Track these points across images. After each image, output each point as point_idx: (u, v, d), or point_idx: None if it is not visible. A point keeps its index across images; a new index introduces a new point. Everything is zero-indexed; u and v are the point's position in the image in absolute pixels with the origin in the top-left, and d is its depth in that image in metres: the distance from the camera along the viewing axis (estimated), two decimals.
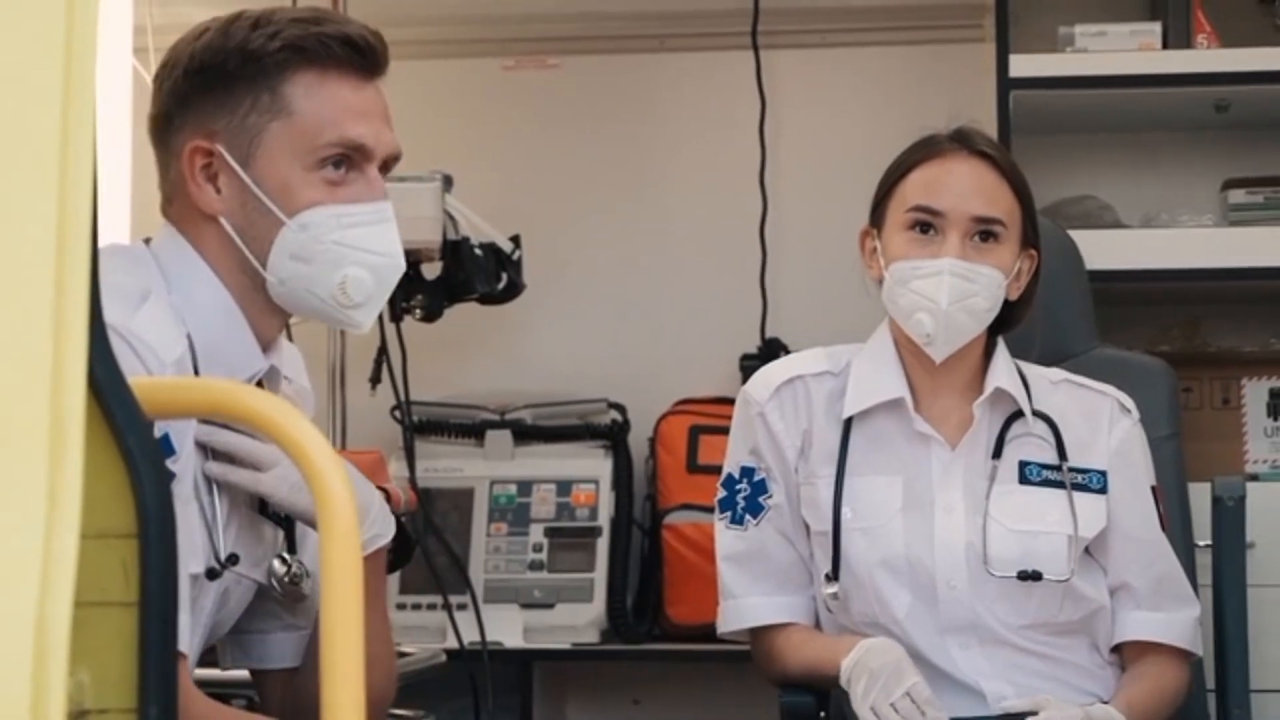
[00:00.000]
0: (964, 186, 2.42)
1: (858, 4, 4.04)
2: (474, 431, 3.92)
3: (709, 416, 3.83)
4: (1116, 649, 2.50)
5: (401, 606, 3.67)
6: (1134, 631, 2.49)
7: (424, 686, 3.09)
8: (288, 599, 2.01)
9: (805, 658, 2.47)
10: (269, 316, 1.96)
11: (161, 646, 1.15)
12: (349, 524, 1.28)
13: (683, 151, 4.09)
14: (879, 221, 2.48)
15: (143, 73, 3.39)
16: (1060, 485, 2.47)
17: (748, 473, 2.52)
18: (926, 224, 2.42)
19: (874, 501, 2.45)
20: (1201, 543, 2.82)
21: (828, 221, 3.72)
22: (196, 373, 1.86)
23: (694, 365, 4.00)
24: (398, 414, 3.74)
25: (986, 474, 2.46)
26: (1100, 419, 2.52)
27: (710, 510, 2.63)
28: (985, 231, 2.42)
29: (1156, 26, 3.59)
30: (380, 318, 3.03)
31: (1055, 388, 2.54)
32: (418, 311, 3.69)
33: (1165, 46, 3.57)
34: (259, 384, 1.94)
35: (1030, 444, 2.49)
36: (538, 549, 3.79)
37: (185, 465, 1.84)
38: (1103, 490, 2.48)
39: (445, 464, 3.87)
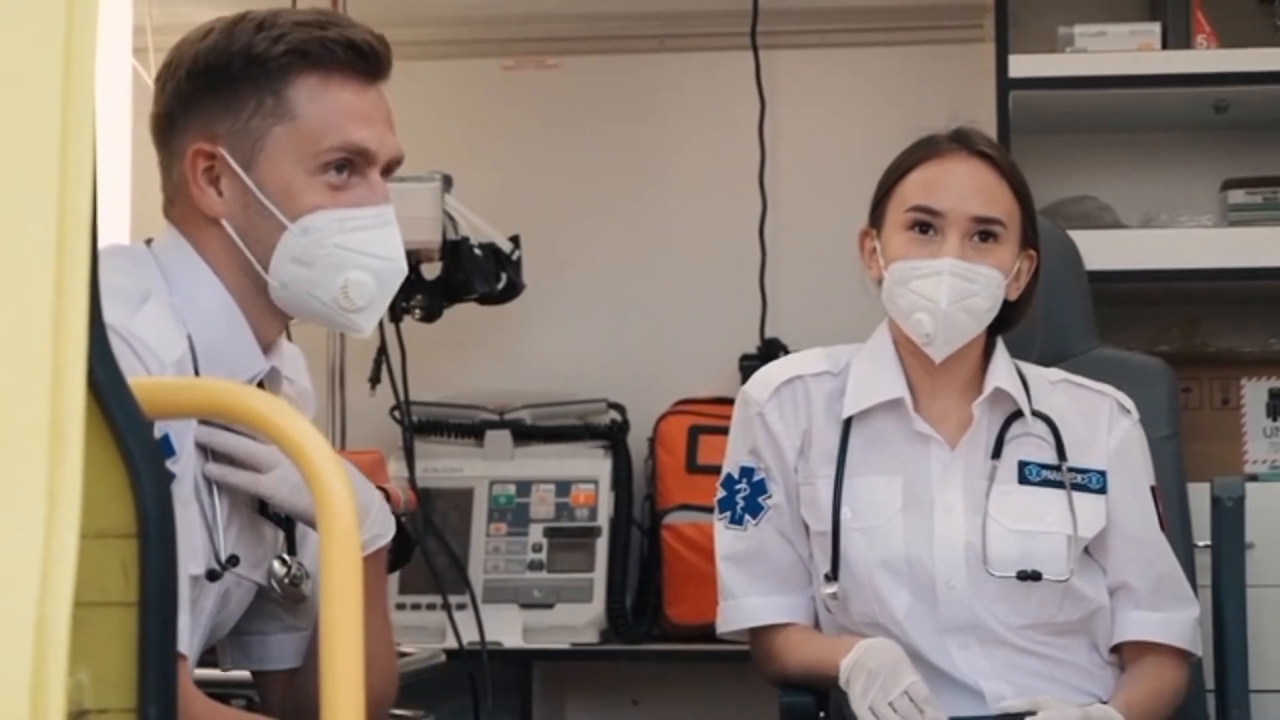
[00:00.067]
0: (963, 187, 2.42)
1: (857, 4, 4.04)
2: (473, 432, 3.92)
3: (708, 416, 3.83)
4: (1116, 649, 2.51)
5: (401, 606, 3.67)
6: (1133, 631, 2.49)
7: (423, 686, 3.09)
8: (288, 600, 2.01)
9: (804, 658, 2.47)
10: (270, 318, 1.96)
11: (161, 646, 1.15)
12: (349, 524, 1.28)
13: (682, 152, 4.09)
14: (878, 222, 2.48)
15: (142, 73, 3.39)
16: (1060, 485, 2.47)
17: (747, 473, 2.52)
18: (926, 224, 2.42)
19: (873, 501, 2.45)
20: (1201, 543, 2.82)
21: (827, 221, 3.72)
22: (197, 373, 1.86)
23: (693, 365, 4.00)
24: (397, 414, 3.74)
25: (986, 474, 2.46)
26: (1100, 419, 2.52)
27: (709, 510, 2.63)
28: (985, 232, 2.42)
29: (1156, 27, 3.59)
30: (380, 318, 3.03)
31: (1054, 388, 2.54)
32: (417, 312, 3.69)
33: (1165, 47, 3.57)
34: (260, 385, 1.94)
35: (1030, 444, 2.49)
36: (537, 549, 3.79)
37: (186, 466, 1.84)
38: (1102, 490, 2.48)
39: (445, 464, 3.87)
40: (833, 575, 2.45)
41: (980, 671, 2.43)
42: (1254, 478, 3.58)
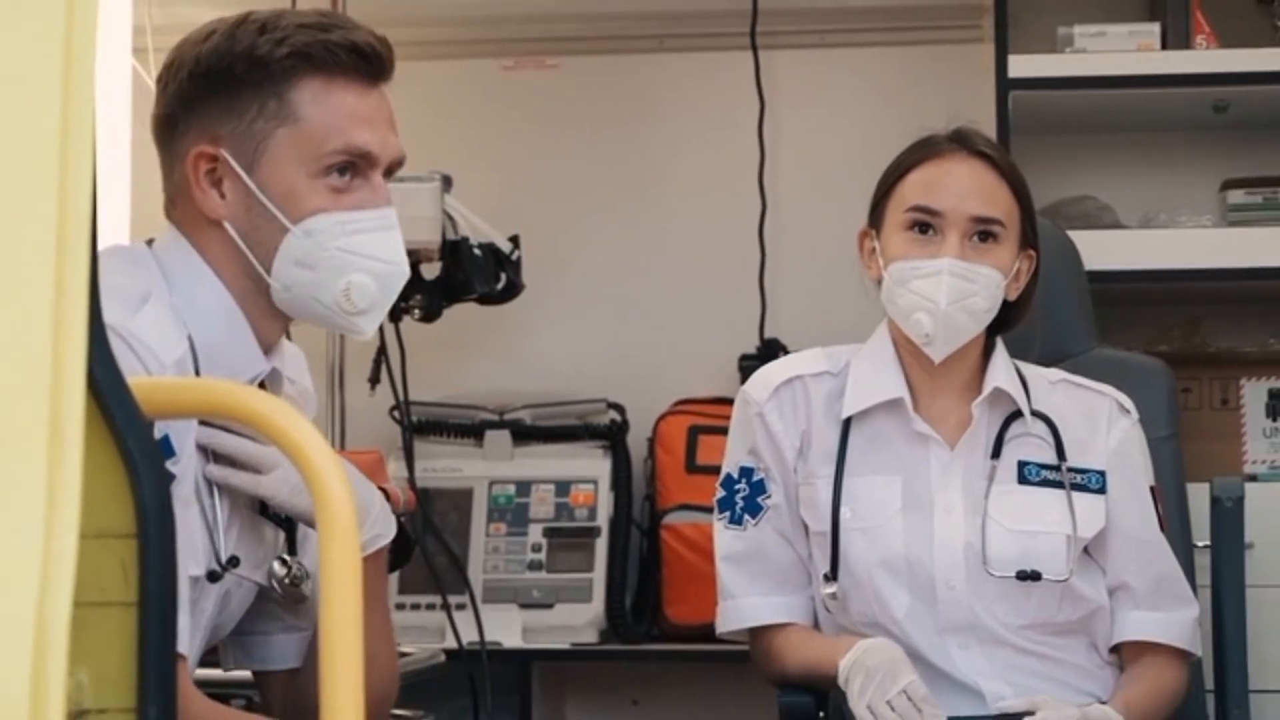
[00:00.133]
0: (963, 187, 2.42)
1: (856, 4, 4.04)
2: (473, 432, 3.92)
3: (708, 417, 3.83)
4: (1115, 649, 2.51)
5: (400, 606, 3.67)
6: (1132, 631, 2.49)
7: (423, 686, 3.09)
8: (288, 600, 2.01)
9: (804, 658, 2.47)
10: (271, 319, 1.96)
11: (161, 646, 1.15)
12: (349, 525, 1.28)
13: (682, 152, 4.09)
14: (878, 222, 2.48)
15: (142, 73, 3.39)
16: (1059, 485, 2.47)
17: (746, 473, 2.52)
18: (925, 224, 2.42)
19: (873, 501, 2.45)
20: (1200, 543, 2.82)
21: (827, 222, 3.72)
22: (197, 374, 1.86)
23: (693, 365, 4.00)
24: (397, 414, 3.74)
25: (985, 474, 2.46)
26: (1099, 419, 2.52)
27: (709, 510, 2.63)
28: (984, 232, 2.42)
29: (1155, 27, 3.59)
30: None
31: (1054, 388, 2.54)
32: (417, 312, 3.69)
33: (1164, 47, 3.57)
34: (261, 386, 1.94)
35: (1029, 444, 2.49)
36: (536, 549, 3.79)
37: (186, 467, 1.84)
38: (1101, 490, 2.48)
39: (444, 464, 3.87)
40: (832, 575, 2.45)
41: (980, 671, 2.43)
42: (1253, 478, 3.58)
